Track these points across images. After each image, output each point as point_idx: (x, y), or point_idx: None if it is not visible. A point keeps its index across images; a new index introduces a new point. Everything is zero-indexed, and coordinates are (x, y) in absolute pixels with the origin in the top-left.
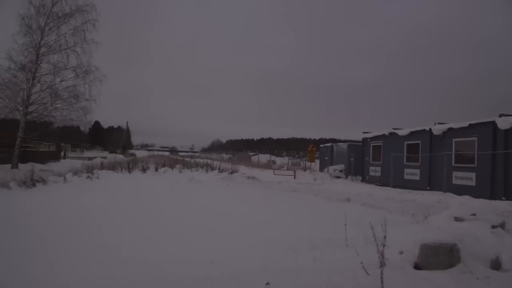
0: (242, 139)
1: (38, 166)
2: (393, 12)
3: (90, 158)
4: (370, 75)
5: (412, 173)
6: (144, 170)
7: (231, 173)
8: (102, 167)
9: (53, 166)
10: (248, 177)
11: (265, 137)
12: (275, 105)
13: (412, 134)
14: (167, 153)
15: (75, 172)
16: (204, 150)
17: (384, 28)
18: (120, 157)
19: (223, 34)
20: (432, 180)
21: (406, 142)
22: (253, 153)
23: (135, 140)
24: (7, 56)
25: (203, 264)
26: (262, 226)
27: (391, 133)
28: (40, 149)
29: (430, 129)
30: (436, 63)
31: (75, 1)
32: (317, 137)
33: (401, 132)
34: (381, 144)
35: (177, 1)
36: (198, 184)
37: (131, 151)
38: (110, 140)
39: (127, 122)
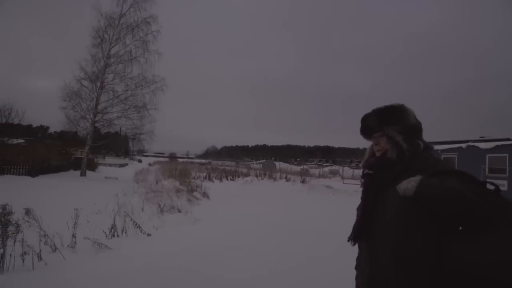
0: (237, 145)
1: (95, 175)
2: (393, 20)
3: (121, 165)
4: (369, 83)
5: (498, 184)
6: (227, 179)
7: (303, 182)
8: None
9: (104, 173)
10: (326, 187)
11: (259, 144)
12: (270, 112)
13: (498, 148)
14: (165, 159)
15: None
16: (199, 156)
17: (384, 36)
18: (135, 163)
19: (220, 40)
20: None
21: (488, 155)
22: (261, 161)
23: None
24: (80, 67)
25: None
26: None
27: (469, 146)
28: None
29: None
30: (436, 71)
31: (140, 14)
32: (312, 144)
33: (483, 145)
34: (455, 156)
35: (176, 6)
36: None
37: (138, 157)
38: (108, 145)
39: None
